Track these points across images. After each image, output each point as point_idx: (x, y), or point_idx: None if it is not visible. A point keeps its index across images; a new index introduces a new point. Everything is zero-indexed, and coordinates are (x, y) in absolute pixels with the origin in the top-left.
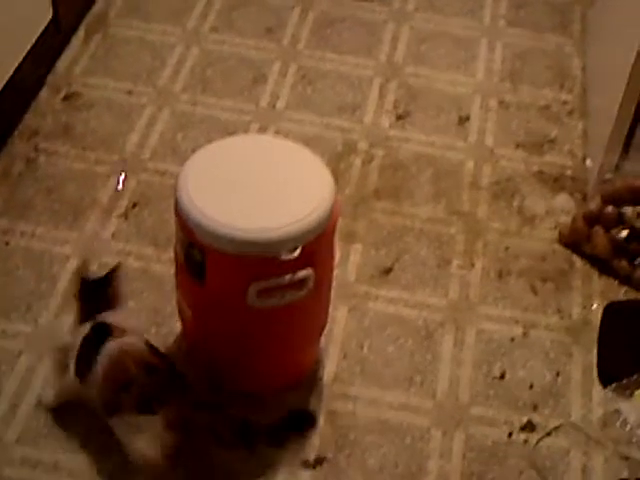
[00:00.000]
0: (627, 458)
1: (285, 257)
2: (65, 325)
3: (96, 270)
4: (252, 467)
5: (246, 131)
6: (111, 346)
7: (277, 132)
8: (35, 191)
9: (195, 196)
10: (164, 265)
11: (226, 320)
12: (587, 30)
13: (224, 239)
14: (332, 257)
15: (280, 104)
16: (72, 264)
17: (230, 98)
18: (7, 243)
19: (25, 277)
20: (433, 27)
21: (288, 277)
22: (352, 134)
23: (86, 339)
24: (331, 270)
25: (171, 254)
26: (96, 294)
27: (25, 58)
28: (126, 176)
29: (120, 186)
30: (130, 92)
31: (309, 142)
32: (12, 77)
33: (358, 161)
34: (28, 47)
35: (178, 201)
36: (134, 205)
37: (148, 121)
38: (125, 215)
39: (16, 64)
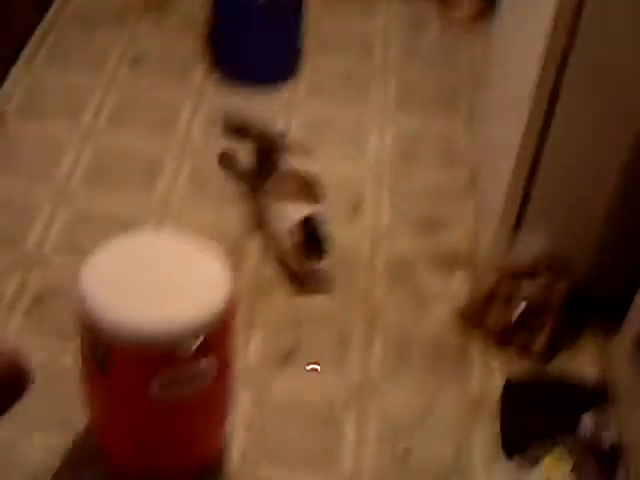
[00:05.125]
0: None
1: (187, 349)
2: None
3: None
4: None
5: (144, 224)
6: None
7: (174, 224)
8: None
9: (97, 292)
10: (70, 358)
11: (131, 411)
12: (475, 110)
13: (127, 334)
14: (233, 346)
15: (176, 197)
16: None
17: (126, 192)
18: None
19: None
20: (318, 116)
21: (190, 368)
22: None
23: None
24: (233, 359)
25: (77, 347)
26: None
27: None
28: None
29: None
30: (29, 189)
31: (207, 231)
32: None
33: (256, 247)
34: None
35: (81, 297)
36: (38, 300)
37: (48, 217)
38: (29, 310)
39: None
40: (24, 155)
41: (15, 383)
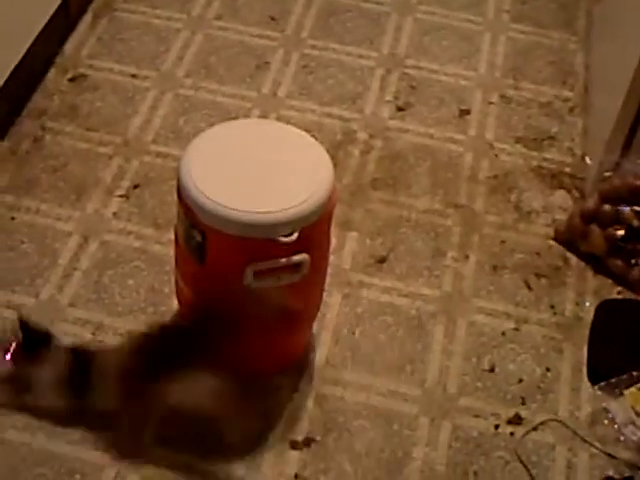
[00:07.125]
0: (613, 457)
1: (283, 240)
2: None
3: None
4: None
5: (247, 117)
6: None
7: (278, 119)
8: (41, 169)
9: (197, 178)
10: (164, 246)
11: (223, 300)
12: (592, 27)
13: (225, 220)
14: (328, 243)
15: (281, 92)
16: (74, 240)
17: (232, 84)
18: (13, 218)
19: (29, 251)
20: (437, 20)
21: (284, 260)
22: (352, 124)
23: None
24: (327, 256)
25: (171, 236)
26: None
27: (35, 40)
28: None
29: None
30: (134, 75)
31: (309, 130)
32: (22, 58)
33: (357, 150)
34: (38, 30)
35: (181, 182)
36: (136, 186)
37: (151, 104)
38: (127, 195)
39: (26, 46)
40: (132, 41)
41: None
